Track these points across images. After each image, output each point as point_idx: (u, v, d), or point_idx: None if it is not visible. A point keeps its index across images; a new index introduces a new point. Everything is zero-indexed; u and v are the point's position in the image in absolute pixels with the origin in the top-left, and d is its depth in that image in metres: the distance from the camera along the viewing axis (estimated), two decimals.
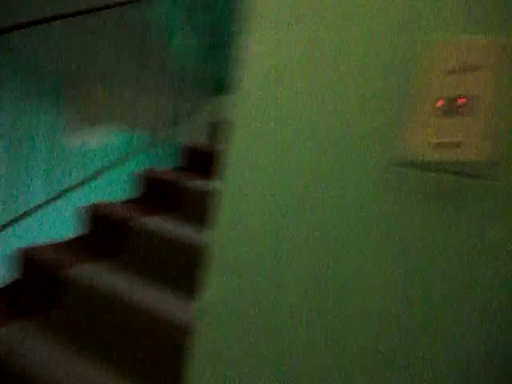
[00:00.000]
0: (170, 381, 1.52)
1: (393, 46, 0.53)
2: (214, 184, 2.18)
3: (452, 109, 0.49)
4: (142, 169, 2.85)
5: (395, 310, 0.53)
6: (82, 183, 2.48)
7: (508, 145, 0.47)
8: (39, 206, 2.26)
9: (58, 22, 2.11)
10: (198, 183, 2.21)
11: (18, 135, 2.09)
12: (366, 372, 0.54)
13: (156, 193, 2.33)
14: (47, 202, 2.30)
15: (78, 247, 2.05)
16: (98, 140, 2.53)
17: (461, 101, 0.48)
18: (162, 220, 2.06)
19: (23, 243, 2.22)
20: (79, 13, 1.99)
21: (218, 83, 3.28)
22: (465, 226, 0.49)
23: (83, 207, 2.03)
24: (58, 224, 2.38)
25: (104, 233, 2.02)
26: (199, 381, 0.67)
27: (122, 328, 1.62)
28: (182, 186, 2.22)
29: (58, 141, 2.30)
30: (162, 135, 3.04)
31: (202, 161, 2.58)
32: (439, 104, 0.49)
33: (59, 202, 2.36)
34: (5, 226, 2.11)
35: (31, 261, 1.80)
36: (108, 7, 2.16)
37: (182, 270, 1.86)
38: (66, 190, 2.40)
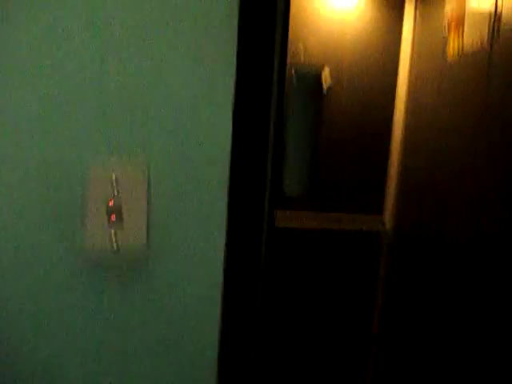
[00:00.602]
0: None
1: (67, 166, 0.66)
2: None
3: (115, 211, 0.67)
4: None
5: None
6: None
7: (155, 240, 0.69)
8: None
9: None
10: None
11: None
12: None
13: None
14: None
15: None
16: None
17: (117, 208, 0.67)
18: None
19: None
20: None
21: None
22: (131, 292, 0.70)
23: None
24: None
25: None
26: None
27: None
28: None
29: None
30: None
31: None
32: (107, 208, 0.67)
33: None
34: None
35: None
36: None
37: None
38: None
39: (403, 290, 2.11)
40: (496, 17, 1.63)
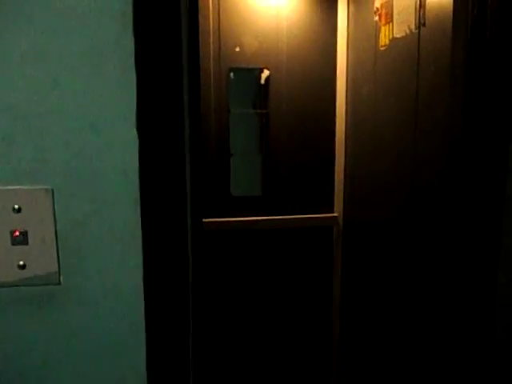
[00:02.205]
0: None
1: None
2: None
3: (20, 240, 0.63)
4: None
5: None
6: None
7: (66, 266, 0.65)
8: None
9: None
10: None
11: None
12: None
13: None
14: None
15: None
16: None
17: (16, 233, 0.63)
18: None
19: None
20: None
21: None
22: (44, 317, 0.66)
23: None
24: None
25: None
26: None
27: None
28: None
29: None
30: None
31: None
32: (12, 240, 0.63)
33: None
34: None
35: None
36: None
37: None
38: None
39: (356, 273, 2.14)
40: (421, 4, 1.68)
